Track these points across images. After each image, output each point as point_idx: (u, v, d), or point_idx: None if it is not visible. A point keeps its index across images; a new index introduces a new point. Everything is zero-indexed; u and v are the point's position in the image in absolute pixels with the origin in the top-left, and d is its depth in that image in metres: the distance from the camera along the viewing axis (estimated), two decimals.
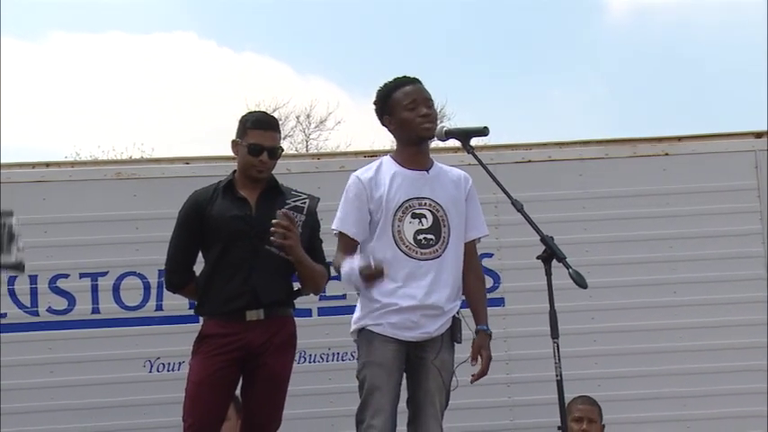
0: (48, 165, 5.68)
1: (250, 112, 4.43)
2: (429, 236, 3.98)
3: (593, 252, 5.45)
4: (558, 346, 3.82)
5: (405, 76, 4.11)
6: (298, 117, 25.37)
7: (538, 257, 3.89)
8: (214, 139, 29.44)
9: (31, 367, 5.33)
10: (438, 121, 4.08)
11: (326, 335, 5.37)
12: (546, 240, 3.84)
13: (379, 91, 4.12)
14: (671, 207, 5.64)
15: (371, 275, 3.84)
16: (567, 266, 3.76)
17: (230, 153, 4.34)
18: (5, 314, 5.35)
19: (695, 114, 30.97)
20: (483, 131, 4.07)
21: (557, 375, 3.81)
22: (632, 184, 5.66)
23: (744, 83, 32.66)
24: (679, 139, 5.82)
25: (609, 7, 36.18)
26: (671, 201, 5.65)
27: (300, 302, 4.36)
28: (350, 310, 4.17)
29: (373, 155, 5.25)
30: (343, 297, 5.32)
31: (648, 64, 33.16)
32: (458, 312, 4.02)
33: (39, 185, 5.40)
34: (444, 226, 4.00)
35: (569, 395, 4.12)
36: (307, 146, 24.99)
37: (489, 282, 4.56)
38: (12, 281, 5.35)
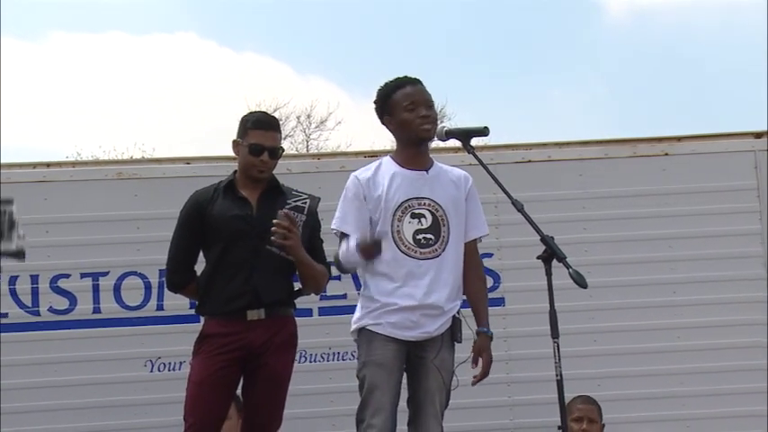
0: (49, 165, 5.68)
1: (251, 113, 4.44)
2: (428, 235, 3.98)
3: (592, 252, 5.45)
4: (558, 346, 3.83)
5: (405, 77, 4.12)
6: (298, 117, 25.43)
7: (538, 257, 3.90)
8: (215, 140, 29.47)
9: (33, 367, 5.34)
10: (438, 122, 4.09)
11: (327, 334, 5.38)
12: (546, 240, 3.85)
13: (379, 90, 4.13)
14: (670, 207, 5.64)
15: (368, 247, 3.85)
16: (567, 266, 3.77)
17: (231, 153, 4.35)
18: (7, 314, 5.35)
19: (695, 114, 31.01)
20: (483, 131, 4.08)
21: (557, 375, 3.82)
22: (632, 184, 5.67)
23: (743, 83, 32.70)
24: (679, 139, 5.82)
25: (608, 8, 36.20)
26: (670, 201, 5.66)
27: (301, 302, 4.37)
28: (350, 309, 4.18)
29: (373, 155, 5.26)
30: (344, 297, 5.34)
31: (648, 64, 33.21)
32: (458, 312, 4.03)
33: (40, 185, 5.40)
34: (444, 226, 4.01)
35: (569, 395, 4.13)
36: (307, 146, 25.02)
37: (489, 281, 4.58)
38: (13, 281, 5.37)
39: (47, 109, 32.15)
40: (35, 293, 5.39)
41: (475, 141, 4.17)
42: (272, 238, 4.02)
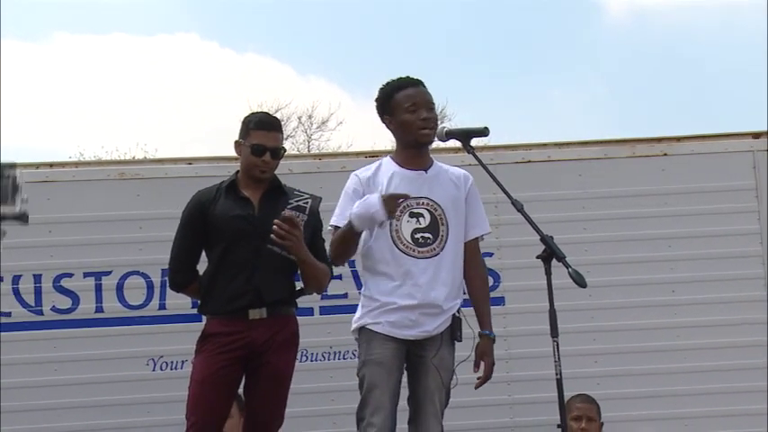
0: (52, 165, 5.71)
1: (253, 113, 4.45)
2: (427, 234, 4.00)
3: (592, 251, 5.47)
4: (557, 345, 3.85)
5: (408, 77, 4.13)
6: (300, 118, 25.39)
7: (538, 257, 3.92)
8: (216, 140, 29.46)
9: (36, 365, 5.36)
10: (438, 122, 4.12)
11: (328, 333, 5.39)
12: (546, 240, 3.87)
13: (381, 90, 4.14)
14: (670, 207, 5.66)
15: (393, 198, 3.82)
16: (567, 266, 3.79)
17: (233, 153, 4.36)
18: (10, 313, 5.38)
19: (695, 115, 30.96)
20: (483, 132, 4.10)
21: (556, 374, 3.84)
22: (631, 185, 5.68)
23: (743, 83, 32.63)
24: (678, 139, 5.84)
25: (608, 8, 36.14)
26: (670, 201, 5.67)
27: (302, 301, 4.38)
28: (351, 309, 4.20)
29: (374, 155, 5.27)
30: (345, 296, 5.36)
31: (648, 64, 33.15)
32: (458, 311, 4.04)
33: (43, 186, 5.41)
34: (443, 225, 4.02)
35: (569, 393, 4.15)
36: (308, 146, 24.99)
37: (489, 281, 4.59)
38: (16, 280, 5.39)
39: (50, 109, 32.17)
40: (38, 293, 5.42)
41: (475, 142, 4.19)
42: (272, 236, 4.05)
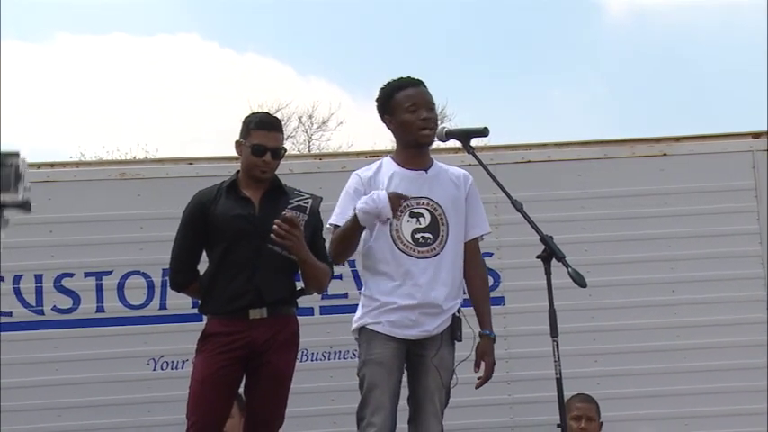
0: (53, 165, 5.71)
1: (253, 113, 4.46)
2: (427, 234, 4.00)
3: (592, 251, 5.48)
4: (557, 345, 3.86)
5: (409, 78, 4.13)
6: (300, 118, 25.39)
7: (537, 257, 3.92)
8: (217, 140, 29.47)
9: (36, 365, 5.37)
10: (438, 122, 4.12)
11: (328, 333, 5.40)
12: (545, 240, 3.87)
13: (382, 89, 4.15)
14: (669, 207, 5.67)
15: (398, 197, 3.84)
16: (567, 265, 3.79)
17: (234, 153, 4.37)
18: (11, 313, 5.39)
19: (694, 115, 30.94)
20: (483, 132, 4.10)
21: (556, 373, 3.84)
22: (631, 185, 5.69)
23: (743, 83, 32.63)
24: (677, 139, 5.85)
25: (608, 8, 36.14)
26: (669, 201, 5.68)
27: (302, 301, 4.38)
28: (351, 308, 4.21)
29: (374, 155, 5.28)
30: (345, 296, 5.37)
31: (648, 64, 33.14)
32: (458, 311, 4.04)
33: (44, 185, 5.39)
34: (443, 225, 4.03)
35: (568, 393, 4.15)
36: (309, 146, 25.00)
37: (489, 281, 4.60)
38: (17, 280, 5.40)
39: (51, 110, 32.16)
40: (39, 292, 5.43)
41: (475, 142, 4.19)
42: (272, 236, 4.06)
